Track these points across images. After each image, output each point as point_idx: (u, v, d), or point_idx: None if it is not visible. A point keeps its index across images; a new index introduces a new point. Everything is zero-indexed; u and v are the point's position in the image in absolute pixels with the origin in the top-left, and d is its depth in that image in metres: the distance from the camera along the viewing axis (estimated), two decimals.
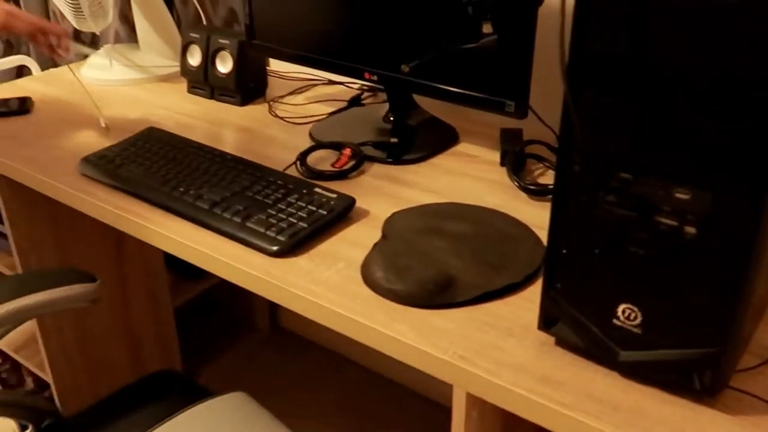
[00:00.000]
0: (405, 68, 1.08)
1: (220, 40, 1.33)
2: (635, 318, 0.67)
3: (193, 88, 1.41)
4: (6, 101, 1.36)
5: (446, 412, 1.73)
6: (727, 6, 0.54)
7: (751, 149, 0.56)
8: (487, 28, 0.96)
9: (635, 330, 0.68)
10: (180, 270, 1.80)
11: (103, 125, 1.27)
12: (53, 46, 1.23)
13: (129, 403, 1.10)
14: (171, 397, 1.09)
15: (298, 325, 1.97)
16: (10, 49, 2.00)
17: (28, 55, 1.97)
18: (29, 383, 1.65)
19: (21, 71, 1.98)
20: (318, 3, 1.19)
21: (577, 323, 0.72)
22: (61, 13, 1.78)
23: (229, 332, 1.98)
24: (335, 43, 1.20)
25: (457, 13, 1.00)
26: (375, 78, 1.17)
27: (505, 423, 0.85)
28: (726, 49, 0.55)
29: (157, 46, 1.51)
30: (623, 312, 0.68)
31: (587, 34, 0.61)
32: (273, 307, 2.00)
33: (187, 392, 1.10)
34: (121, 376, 1.62)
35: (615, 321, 0.69)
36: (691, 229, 0.61)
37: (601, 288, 0.69)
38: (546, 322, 0.74)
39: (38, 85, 1.49)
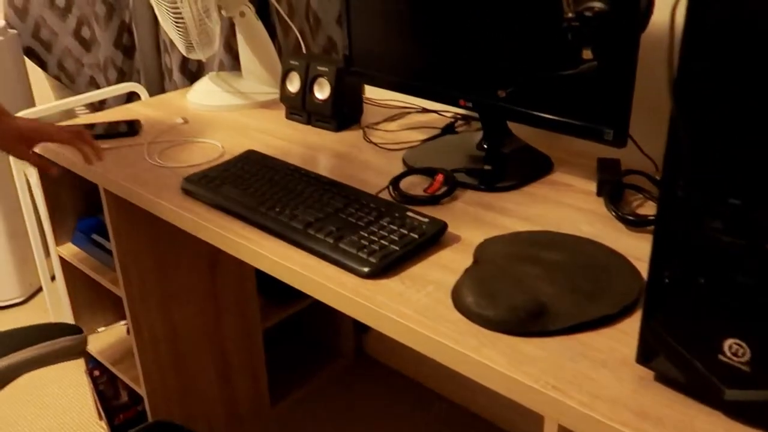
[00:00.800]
0: (501, 93, 1.07)
1: (319, 68, 1.36)
2: (743, 354, 0.64)
3: (291, 114, 1.45)
4: (116, 124, 1.44)
5: None
6: None
7: None
8: (587, 54, 0.95)
9: (743, 367, 0.64)
10: (269, 294, 1.83)
11: (180, 121, 1.31)
12: (86, 154, 1.21)
13: None
14: None
15: (384, 353, 1.97)
16: (122, 77, 2.12)
17: (139, 82, 2.08)
18: (124, 396, 1.71)
19: (131, 97, 2.09)
20: (415, 30, 1.20)
21: (678, 357, 0.68)
22: (171, 43, 1.87)
23: (314, 358, 2.00)
24: (431, 69, 1.21)
25: (556, 38, 0.99)
26: (470, 105, 1.17)
27: None
28: None
29: (258, 74, 1.56)
30: (730, 347, 0.64)
31: (697, 50, 0.59)
32: (359, 334, 2.01)
33: None
34: (211, 394, 1.66)
35: (720, 357, 0.65)
36: None
37: (706, 321, 0.65)
38: (645, 355, 0.71)
39: (147, 109, 1.57)
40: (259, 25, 1.52)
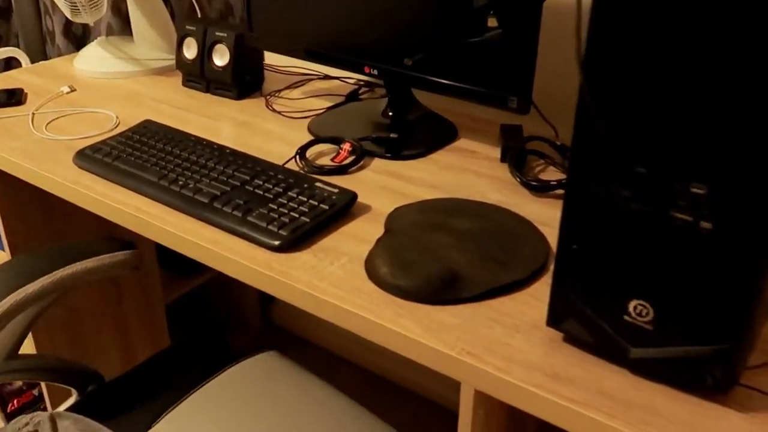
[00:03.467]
0: (408, 61, 1.07)
1: (217, 33, 1.31)
2: (647, 314, 0.67)
3: (188, 82, 1.39)
4: None
5: (443, 412, 1.72)
6: None
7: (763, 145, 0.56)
8: (491, 23, 0.96)
9: (647, 326, 0.67)
10: (171, 267, 1.78)
11: (67, 90, 1.25)
12: None
13: (167, 367, 1.14)
14: (206, 360, 1.14)
15: (291, 322, 1.96)
16: None
17: (18, 47, 1.94)
18: (17, 381, 1.63)
19: (10, 63, 1.95)
20: None
21: (587, 319, 0.71)
22: (53, 5, 1.75)
23: (220, 330, 1.96)
24: (335, 36, 1.19)
25: (461, 6, 0.99)
26: (375, 72, 1.16)
27: (512, 420, 0.85)
28: (747, 41, 0.54)
29: (151, 39, 1.49)
30: (635, 308, 0.67)
31: (605, 28, 0.60)
32: (265, 304, 1.99)
33: (222, 355, 1.16)
34: (113, 372, 1.60)
35: (626, 317, 0.68)
36: (706, 225, 0.61)
37: (613, 284, 0.68)
38: (555, 319, 0.73)
39: (29, 76, 1.47)
40: None
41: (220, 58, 1.32)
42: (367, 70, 1.17)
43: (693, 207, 0.61)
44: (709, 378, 0.66)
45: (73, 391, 1.12)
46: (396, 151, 1.14)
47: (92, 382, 1.13)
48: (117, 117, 1.27)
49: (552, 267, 0.86)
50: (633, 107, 0.61)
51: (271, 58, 1.54)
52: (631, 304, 0.68)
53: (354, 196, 0.98)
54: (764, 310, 0.70)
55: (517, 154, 1.10)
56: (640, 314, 0.67)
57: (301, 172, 1.06)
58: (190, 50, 1.35)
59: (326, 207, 0.95)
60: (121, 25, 1.66)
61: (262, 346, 1.17)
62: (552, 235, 0.92)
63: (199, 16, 1.54)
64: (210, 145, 1.11)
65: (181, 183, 1.00)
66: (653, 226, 0.63)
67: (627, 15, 0.59)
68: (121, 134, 1.15)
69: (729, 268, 0.61)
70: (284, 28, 1.24)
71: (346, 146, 1.13)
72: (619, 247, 0.66)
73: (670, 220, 0.62)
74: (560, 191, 1.02)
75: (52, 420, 0.79)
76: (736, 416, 0.66)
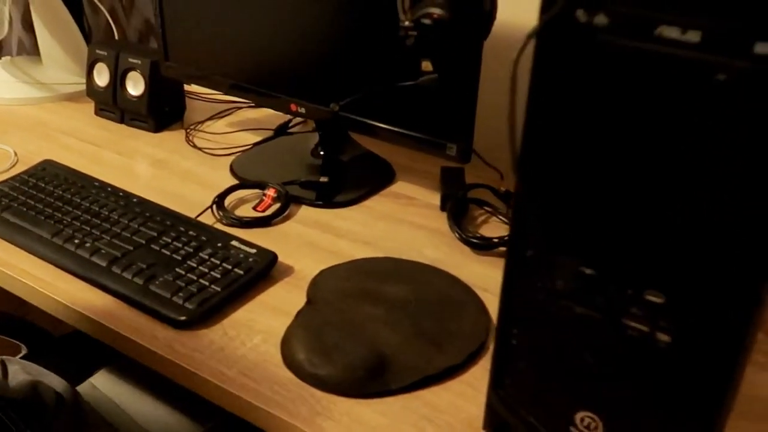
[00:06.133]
0: (335, 107, 0.96)
1: (131, 60, 1.18)
2: (596, 428, 0.58)
3: (101, 111, 1.26)
4: None
5: None
6: (713, 84, 0.44)
7: (732, 251, 0.47)
8: (426, 66, 0.86)
9: None
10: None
11: None
12: None
13: None
14: None
15: None
16: None
17: None
18: None
19: None
20: (240, 23, 1.06)
21: (528, 428, 0.62)
22: None
23: None
24: (259, 69, 1.08)
25: (394, 47, 0.89)
26: (303, 111, 1.05)
27: None
28: (705, 133, 0.45)
29: (61, 60, 1.35)
30: (581, 420, 0.58)
31: (541, 118, 0.51)
32: None
33: None
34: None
35: (572, 429, 0.59)
36: (664, 337, 0.52)
37: (557, 391, 0.59)
38: (492, 425, 0.64)
39: None
40: (60, 5, 1.30)
41: (134, 86, 1.19)
42: (293, 108, 1.06)
43: (649, 316, 0.52)
44: None
45: (23, 346, 1.07)
46: (326, 198, 1.04)
47: (40, 338, 1.10)
48: (15, 154, 1.13)
49: (492, 346, 0.77)
50: (578, 201, 0.52)
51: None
52: (578, 416, 0.59)
53: (274, 257, 0.87)
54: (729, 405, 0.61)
55: (457, 204, 1.00)
56: (588, 427, 0.58)
57: (217, 225, 0.95)
58: (102, 77, 1.22)
59: (241, 272, 0.84)
60: (34, 42, 1.52)
61: None
62: (494, 303, 0.82)
63: (116, 36, 1.40)
64: (116, 192, 0.99)
65: (77, 241, 0.88)
66: (603, 333, 0.54)
67: (567, 102, 0.50)
68: (14, 177, 1.02)
69: (691, 385, 0.53)
70: (203, 58, 1.12)
71: (271, 192, 1.02)
72: (565, 350, 0.57)
73: (622, 328, 0.54)
74: (503, 249, 0.93)
75: (2, 364, 0.76)
76: None
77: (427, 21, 0.82)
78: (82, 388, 0.91)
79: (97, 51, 1.21)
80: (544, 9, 0.48)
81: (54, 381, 0.78)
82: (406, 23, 0.81)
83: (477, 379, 0.73)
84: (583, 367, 0.57)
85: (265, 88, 1.08)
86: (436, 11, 0.82)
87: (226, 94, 1.12)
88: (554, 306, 0.56)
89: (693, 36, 0.43)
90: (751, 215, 0.45)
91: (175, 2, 1.10)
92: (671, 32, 0.44)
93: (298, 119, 1.27)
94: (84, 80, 1.34)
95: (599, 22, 0.46)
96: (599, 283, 0.53)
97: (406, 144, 0.98)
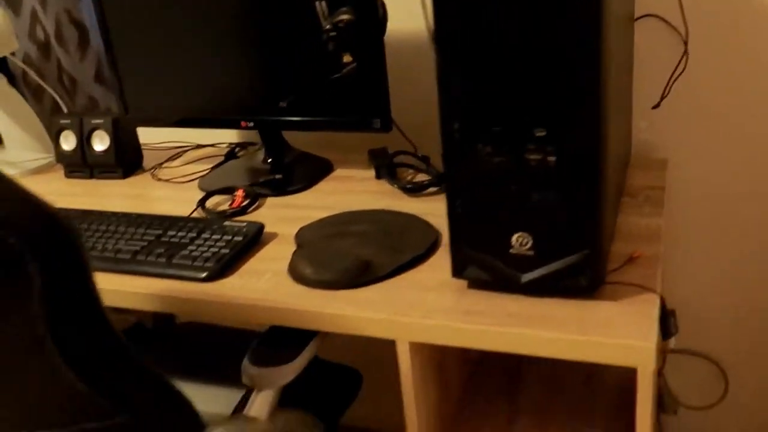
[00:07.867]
0: (283, 104, 1.23)
1: (93, 121, 1.41)
2: (527, 243, 0.85)
3: (71, 173, 1.46)
4: None
5: None
6: None
7: (576, 95, 0.76)
8: (347, 58, 1.14)
9: (529, 253, 0.85)
10: None
11: None
12: None
13: None
14: None
15: None
16: None
17: None
18: None
19: None
20: (185, 65, 1.31)
21: (482, 262, 0.88)
22: None
23: None
24: (211, 100, 1.33)
25: (320, 48, 1.17)
26: (251, 124, 1.31)
27: (441, 374, 0.99)
28: (544, 30, 0.75)
29: (22, 141, 1.55)
30: (517, 240, 0.85)
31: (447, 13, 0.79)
32: None
33: None
34: None
35: (512, 251, 0.86)
36: (551, 158, 0.80)
37: (495, 226, 0.85)
38: (458, 269, 0.90)
39: None
40: (13, 92, 1.51)
41: (100, 142, 1.41)
42: (243, 124, 1.31)
43: (540, 148, 0.80)
44: (583, 280, 0.84)
45: None
46: (283, 189, 1.28)
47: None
48: None
49: (442, 243, 1.03)
50: (482, 80, 0.80)
51: (144, 137, 1.64)
52: (513, 238, 0.85)
53: (261, 225, 1.10)
54: (609, 231, 0.90)
55: (388, 169, 1.27)
56: (522, 244, 0.85)
57: (207, 218, 1.18)
58: (69, 141, 1.43)
59: (240, 238, 1.07)
60: None
61: None
62: (434, 221, 1.09)
63: (66, 111, 1.62)
64: (114, 214, 1.20)
65: (99, 248, 1.09)
66: (514, 170, 0.82)
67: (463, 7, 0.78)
68: None
69: (575, 189, 0.80)
70: (157, 104, 1.36)
71: (240, 192, 1.25)
72: (493, 195, 0.84)
73: (525, 162, 0.81)
74: (432, 189, 1.20)
75: None
76: (609, 304, 0.84)
77: (341, 24, 1.10)
78: None
79: (61, 121, 1.42)
80: None
81: None
82: (327, 26, 1.09)
83: (437, 261, 0.99)
84: (508, 200, 0.84)
85: (219, 114, 1.33)
86: (346, 16, 1.11)
87: (185, 127, 1.36)
88: (479, 162, 0.83)
89: None
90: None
91: (128, 62, 1.35)
92: None
93: (239, 149, 1.52)
94: (47, 155, 1.54)
95: None
96: (505, 136, 0.81)
97: (340, 128, 1.25)
